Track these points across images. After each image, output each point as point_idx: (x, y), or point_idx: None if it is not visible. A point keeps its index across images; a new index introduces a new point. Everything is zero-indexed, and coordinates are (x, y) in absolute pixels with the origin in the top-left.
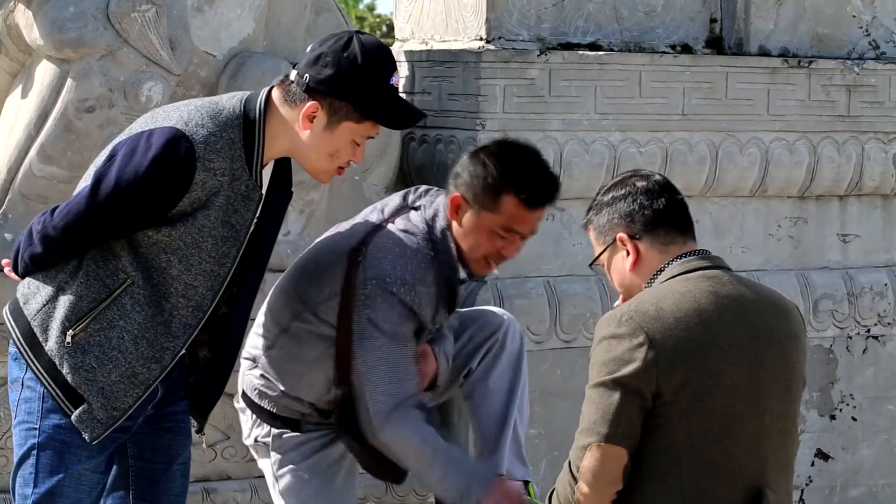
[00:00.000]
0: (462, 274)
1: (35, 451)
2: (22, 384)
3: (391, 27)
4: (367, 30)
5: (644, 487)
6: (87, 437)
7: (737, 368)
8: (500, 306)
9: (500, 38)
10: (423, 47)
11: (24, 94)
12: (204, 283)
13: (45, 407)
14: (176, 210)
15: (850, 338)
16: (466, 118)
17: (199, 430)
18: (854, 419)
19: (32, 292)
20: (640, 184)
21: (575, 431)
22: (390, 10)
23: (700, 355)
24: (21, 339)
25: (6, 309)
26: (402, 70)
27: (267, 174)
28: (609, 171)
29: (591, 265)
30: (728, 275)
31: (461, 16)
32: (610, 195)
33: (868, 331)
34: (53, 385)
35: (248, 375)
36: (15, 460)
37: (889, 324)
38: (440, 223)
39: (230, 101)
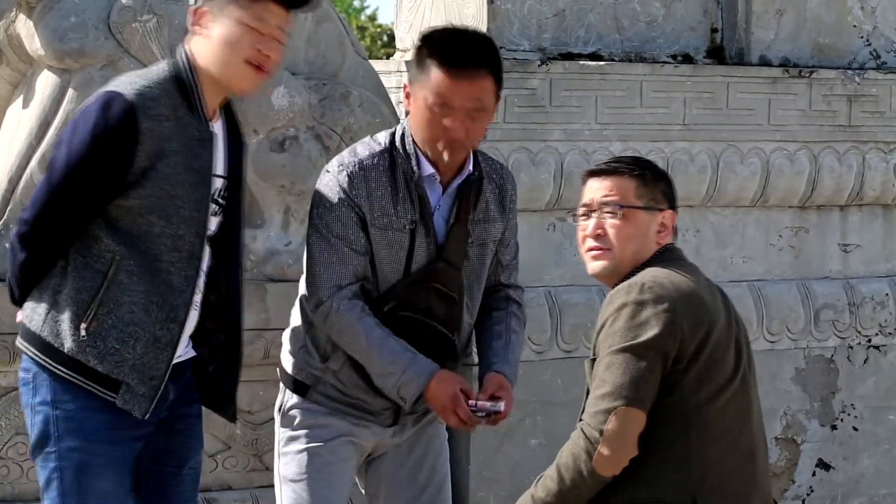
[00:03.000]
0: (427, 170)
1: (57, 475)
2: (32, 409)
3: (392, 37)
4: (367, 40)
5: (652, 453)
6: (137, 415)
7: (730, 346)
8: None
9: (501, 48)
10: None
11: (25, 104)
12: (189, 231)
13: (62, 429)
14: (136, 167)
15: (851, 347)
16: None
17: (233, 419)
18: (855, 429)
19: (32, 307)
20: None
21: None
22: (391, 19)
23: (709, 329)
24: (39, 354)
25: (18, 339)
26: (404, 80)
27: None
28: None
29: (590, 212)
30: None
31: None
32: (655, 170)
33: (869, 340)
34: (87, 380)
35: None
36: (41, 484)
37: (890, 333)
38: (400, 131)
39: (157, 63)
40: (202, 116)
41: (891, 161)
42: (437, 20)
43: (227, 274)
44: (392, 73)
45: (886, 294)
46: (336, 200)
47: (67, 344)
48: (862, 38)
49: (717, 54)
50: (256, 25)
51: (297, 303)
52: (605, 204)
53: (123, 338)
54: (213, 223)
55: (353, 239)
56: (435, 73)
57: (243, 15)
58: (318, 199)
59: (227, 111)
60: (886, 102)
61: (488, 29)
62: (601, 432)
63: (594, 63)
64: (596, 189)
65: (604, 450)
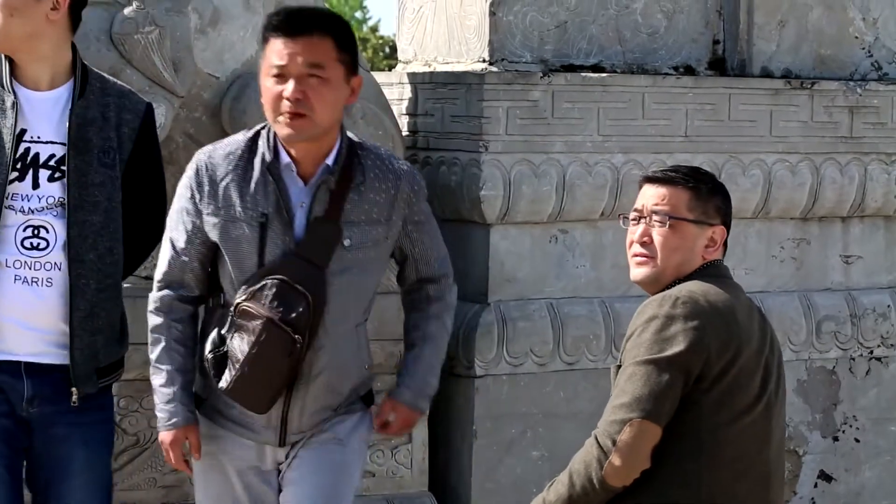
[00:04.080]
0: (284, 159)
1: None
2: None
3: (394, 48)
4: (369, 51)
5: (663, 468)
6: None
7: (757, 371)
8: (502, 329)
9: (502, 59)
10: (426, 69)
11: None
12: None
13: None
14: None
15: (853, 359)
16: (469, 140)
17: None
18: (857, 440)
19: None
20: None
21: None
22: (393, 31)
23: (738, 351)
24: None
25: None
26: (402, 92)
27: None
28: (612, 194)
29: (636, 220)
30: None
31: (464, 38)
32: (712, 183)
33: (871, 352)
34: None
35: None
36: None
37: (892, 345)
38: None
39: None
40: (4, 84)
41: (892, 173)
42: (439, 31)
43: (91, 248)
44: (394, 84)
45: (888, 306)
46: (180, 198)
47: None
48: (864, 49)
49: (718, 66)
50: None
51: None
52: (656, 212)
53: None
54: (51, 190)
55: (182, 244)
56: (269, 44)
57: None
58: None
59: (87, 81)
60: (888, 114)
61: (490, 41)
62: (614, 442)
63: (596, 75)
64: (649, 196)
65: (615, 460)
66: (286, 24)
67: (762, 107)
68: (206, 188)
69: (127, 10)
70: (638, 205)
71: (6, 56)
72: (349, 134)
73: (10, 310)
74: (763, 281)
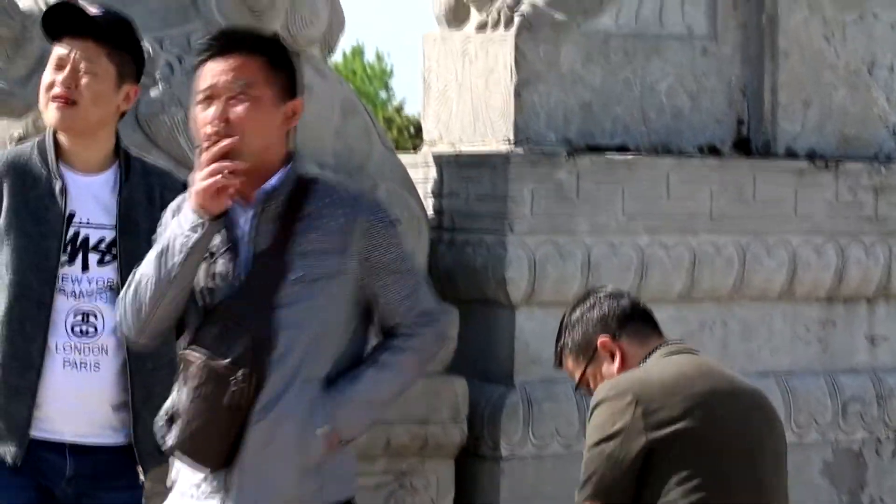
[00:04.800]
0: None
1: None
2: None
3: (419, 128)
4: (394, 131)
5: None
6: (8, 460)
7: (726, 428)
8: (528, 410)
9: (527, 140)
10: (452, 150)
11: None
12: (36, 279)
13: None
14: None
15: (880, 441)
16: (495, 220)
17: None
18: None
19: None
20: (600, 293)
21: None
22: (418, 111)
23: (688, 411)
24: None
25: None
26: (427, 173)
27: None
28: (637, 274)
29: (576, 389)
30: (708, 357)
31: (489, 118)
32: (577, 313)
33: None
34: None
35: None
36: None
37: None
38: None
39: None
40: (52, 169)
41: None
42: (464, 111)
43: None
44: (419, 165)
45: None
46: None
47: None
48: (887, 128)
49: (743, 146)
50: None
51: None
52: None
53: None
54: (101, 273)
55: None
56: (199, 71)
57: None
58: None
59: (130, 163)
60: None
61: (515, 121)
62: None
63: (621, 155)
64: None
65: None
66: (213, 45)
67: (787, 187)
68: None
69: (153, 92)
70: None
71: (53, 138)
72: (308, 169)
73: (59, 394)
74: (788, 361)
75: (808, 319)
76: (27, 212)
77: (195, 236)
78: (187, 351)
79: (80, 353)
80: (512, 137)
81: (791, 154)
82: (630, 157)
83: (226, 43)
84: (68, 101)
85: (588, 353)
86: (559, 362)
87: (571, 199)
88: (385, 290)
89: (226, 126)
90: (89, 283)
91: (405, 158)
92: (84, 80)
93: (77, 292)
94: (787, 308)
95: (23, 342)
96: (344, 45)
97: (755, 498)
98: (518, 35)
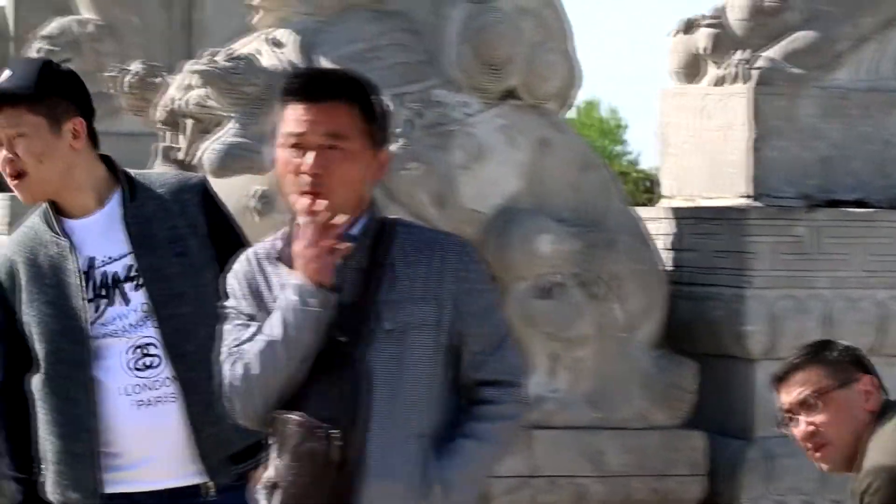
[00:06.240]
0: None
1: None
2: None
3: (654, 183)
4: (629, 185)
5: None
6: None
7: None
8: (767, 465)
9: (765, 195)
10: (689, 204)
11: None
12: (66, 341)
13: None
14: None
15: None
16: (732, 275)
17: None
18: None
19: None
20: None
21: None
22: (652, 164)
23: None
24: None
25: None
26: (664, 227)
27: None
28: (877, 329)
29: (786, 420)
30: None
31: (727, 173)
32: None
33: None
34: None
35: None
36: None
37: None
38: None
39: None
40: (56, 230)
41: None
42: (701, 166)
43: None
44: (656, 219)
45: None
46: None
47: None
48: None
49: None
50: None
51: None
52: (802, 402)
53: (49, 463)
54: (140, 297)
55: None
56: (287, 110)
57: None
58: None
59: (133, 183)
60: None
61: (753, 176)
62: None
63: (860, 210)
64: (788, 393)
65: None
66: (301, 89)
67: None
68: (245, 289)
69: (392, 147)
70: (785, 406)
71: (48, 201)
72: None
73: (140, 440)
74: None
75: None
76: (44, 281)
77: (326, 312)
78: (282, 412)
79: (150, 390)
80: (750, 192)
81: None
82: (869, 211)
83: (319, 87)
84: (19, 175)
85: (843, 377)
86: (790, 371)
87: (810, 253)
88: (474, 340)
89: (319, 180)
90: (135, 312)
91: (642, 212)
92: (20, 147)
93: (127, 327)
94: None
95: (70, 407)
96: (579, 99)
97: None
98: (755, 90)
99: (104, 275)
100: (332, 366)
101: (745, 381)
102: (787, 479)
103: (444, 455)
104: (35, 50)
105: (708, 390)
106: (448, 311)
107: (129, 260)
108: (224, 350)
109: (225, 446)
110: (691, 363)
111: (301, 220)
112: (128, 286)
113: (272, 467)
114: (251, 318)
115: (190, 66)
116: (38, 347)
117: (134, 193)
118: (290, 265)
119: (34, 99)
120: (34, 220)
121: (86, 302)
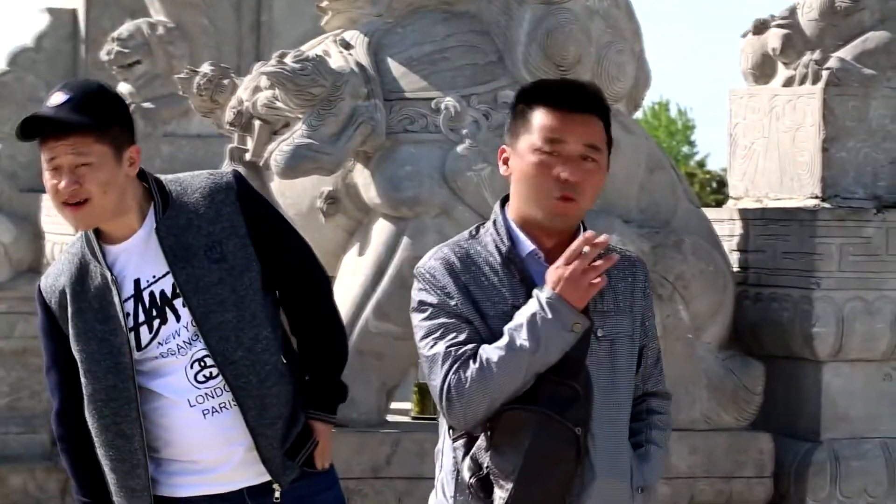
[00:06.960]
0: (527, 247)
1: None
2: None
3: (721, 183)
4: (696, 186)
5: None
6: None
7: None
8: (835, 467)
9: (835, 196)
10: (757, 205)
11: (360, 252)
12: (117, 379)
13: None
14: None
15: None
16: (801, 276)
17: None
18: None
19: None
20: None
21: None
22: (720, 165)
23: None
24: None
25: None
26: (733, 228)
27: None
28: None
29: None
30: None
31: (796, 174)
32: None
33: None
34: None
35: None
36: None
37: None
38: (492, 216)
39: None
40: (100, 261)
41: None
42: (771, 167)
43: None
44: (725, 220)
45: None
46: (436, 309)
47: None
48: None
49: None
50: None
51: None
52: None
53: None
54: (187, 314)
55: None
56: (541, 115)
57: None
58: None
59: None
60: None
61: (823, 177)
62: None
63: None
64: None
65: None
66: (559, 97)
67: None
68: (452, 289)
69: (460, 148)
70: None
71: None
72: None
73: (213, 446)
74: None
75: None
76: (91, 315)
77: (572, 335)
78: (517, 408)
79: (213, 398)
80: (819, 193)
81: None
82: None
83: (578, 98)
84: (79, 203)
85: None
86: None
87: (880, 255)
88: (649, 353)
89: (578, 188)
90: (186, 329)
91: (710, 213)
92: (85, 176)
93: (182, 344)
94: None
95: (124, 443)
96: (648, 99)
97: None
98: (826, 90)
99: (152, 295)
100: (562, 370)
101: (812, 382)
102: (855, 482)
103: (641, 460)
104: (106, 52)
105: (775, 392)
106: (638, 325)
107: (172, 276)
108: (439, 348)
109: (282, 445)
110: (758, 365)
111: (581, 246)
112: (177, 302)
113: (492, 460)
114: (460, 316)
115: (259, 67)
116: (86, 383)
117: (166, 204)
118: (521, 272)
119: (102, 128)
120: (78, 247)
121: (129, 334)
